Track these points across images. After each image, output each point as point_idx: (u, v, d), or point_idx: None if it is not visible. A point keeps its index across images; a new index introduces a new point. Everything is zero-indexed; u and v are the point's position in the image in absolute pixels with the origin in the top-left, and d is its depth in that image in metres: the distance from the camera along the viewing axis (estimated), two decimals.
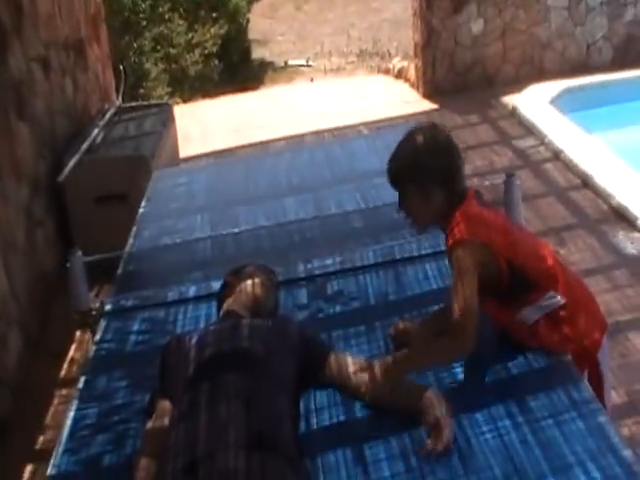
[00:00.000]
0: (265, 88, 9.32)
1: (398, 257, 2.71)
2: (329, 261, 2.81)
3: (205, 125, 7.26)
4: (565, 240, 4.39)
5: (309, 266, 2.81)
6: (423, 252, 2.69)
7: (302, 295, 2.64)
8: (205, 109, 7.96)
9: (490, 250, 1.98)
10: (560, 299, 2.03)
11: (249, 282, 2.34)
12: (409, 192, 2.06)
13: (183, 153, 5.98)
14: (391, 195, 2.16)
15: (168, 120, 5.56)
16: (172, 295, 2.77)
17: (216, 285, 2.60)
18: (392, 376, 1.95)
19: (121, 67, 6.25)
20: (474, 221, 2.00)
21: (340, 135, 6.26)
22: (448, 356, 1.98)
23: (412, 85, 7.32)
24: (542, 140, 5.68)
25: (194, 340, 2.09)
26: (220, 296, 2.40)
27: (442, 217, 2.04)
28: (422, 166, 2.03)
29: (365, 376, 2.00)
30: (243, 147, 6.45)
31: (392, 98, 7.25)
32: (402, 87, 7.50)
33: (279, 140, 6.47)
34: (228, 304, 2.31)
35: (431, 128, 2.11)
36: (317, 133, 6.48)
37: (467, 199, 2.04)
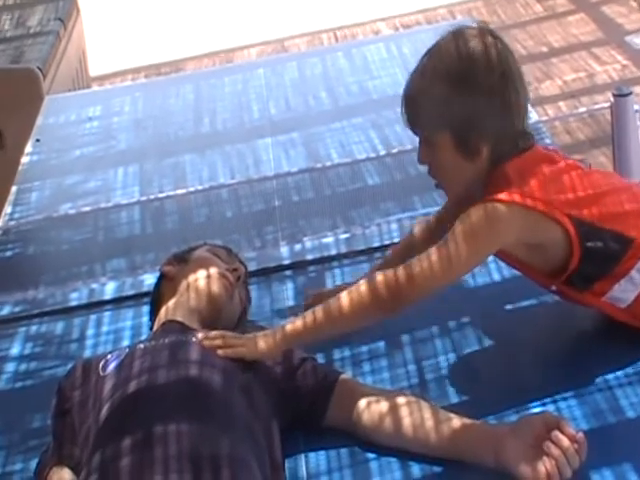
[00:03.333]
0: None
1: None
2: (329, 239, 2.83)
3: (132, 22, 7.22)
4: None
5: (297, 247, 2.83)
6: None
7: (286, 292, 2.65)
8: None
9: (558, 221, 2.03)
10: None
11: (200, 274, 2.34)
12: (439, 143, 2.09)
13: (95, 68, 5.95)
14: None
15: (69, 12, 5.52)
16: (77, 297, 2.78)
17: (149, 279, 2.61)
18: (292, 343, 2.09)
19: None
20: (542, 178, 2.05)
21: (347, 38, 6.25)
22: (362, 318, 2.09)
23: None
24: None
25: (112, 367, 2.09)
26: (155, 297, 2.41)
27: (483, 182, 2.09)
28: (463, 103, 2.04)
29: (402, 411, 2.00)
30: (193, 58, 6.45)
31: None
32: None
33: (250, 47, 6.46)
34: (167, 310, 2.31)
35: (477, 34, 2.10)
36: (310, 35, 6.49)
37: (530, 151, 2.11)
